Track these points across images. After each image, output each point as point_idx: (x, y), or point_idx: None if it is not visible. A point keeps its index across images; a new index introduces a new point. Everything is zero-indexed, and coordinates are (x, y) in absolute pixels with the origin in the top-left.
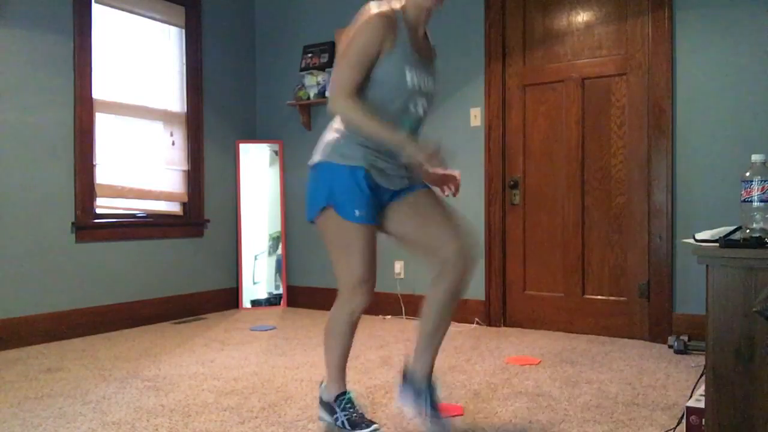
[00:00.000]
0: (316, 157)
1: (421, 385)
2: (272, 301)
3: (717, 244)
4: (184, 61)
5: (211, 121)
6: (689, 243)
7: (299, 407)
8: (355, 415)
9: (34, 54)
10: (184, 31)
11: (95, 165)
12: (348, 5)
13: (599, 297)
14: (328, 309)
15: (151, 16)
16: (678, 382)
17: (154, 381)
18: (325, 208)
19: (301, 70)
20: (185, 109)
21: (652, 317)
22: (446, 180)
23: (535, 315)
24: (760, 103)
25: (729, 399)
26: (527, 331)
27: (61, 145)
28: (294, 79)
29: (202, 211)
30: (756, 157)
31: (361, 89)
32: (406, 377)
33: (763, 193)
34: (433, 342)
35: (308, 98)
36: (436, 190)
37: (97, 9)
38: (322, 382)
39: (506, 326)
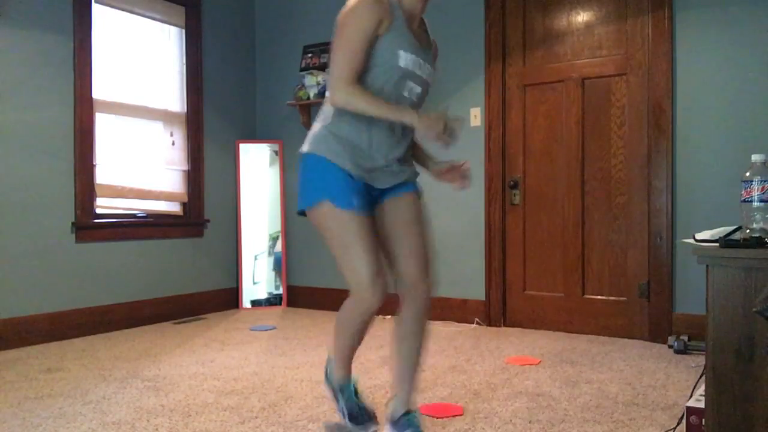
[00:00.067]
0: (306, 146)
1: (399, 414)
2: (272, 301)
3: (717, 244)
4: (184, 61)
5: (211, 121)
6: (689, 243)
7: (299, 407)
8: (356, 408)
9: (34, 54)
10: (184, 31)
11: (95, 165)
12: None
13: (599, 297)
14: (328, 309)
15: (151, 16)
16: (678, 382)
17: (154, 381)
18: (320, 203)
19: (301, 70)
20: (185, 109)
21: (652, 317)
22: (455, 172)
23: (535, 315)
24: (760, 103)
25: (729, 399)
26: (527, 331)
27: (61, 145)
28: (294, 79)
29: (202, 211)
30: (756, 157)
31: (361, 75)
32: (392, 420)
33: (763, 193)
34: (407, 375)
35: (308, 98)
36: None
37: (97, 9)
38: (329, 357)
39: (506, 326)
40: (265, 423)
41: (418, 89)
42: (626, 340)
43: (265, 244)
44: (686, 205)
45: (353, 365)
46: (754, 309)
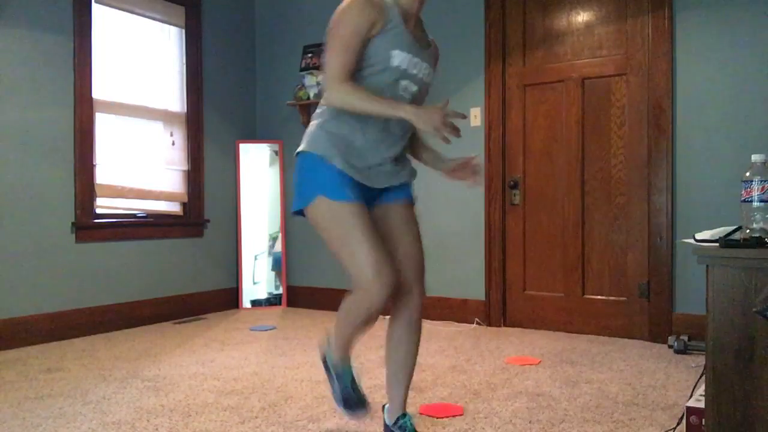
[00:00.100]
0: (302, 146)
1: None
2: (272, 301)
3: (717, 244)
4: (184, 61)
5: (211, 121)
6: (689, 243)
7: (299, 407)
8: (351, 394)
9: (34, 54)
10: (184, 31)
11: (95, 165)
12: None
13: (599, 297)
14: (329, 309)
15: (151, 16)
16: (678, 382)
17: (154, 381)
18: (314, 200)
19: (301, 70)
20: (185, 109)
21: (652, 317)
22: (465, 169)
23: (535, 315)
24: (760, 103)
25: (729, 399)
26: (527, 331)
27: (61, 145)
28: (294, 79)
29: (202, 211)
30: (756, 157)
31: (354, 74)
32: (388, 425)
33: (763, 193)
34: (402, 379)
35: (308, 98)
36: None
37: (97, 9)
38: (329, 338)
39: (506, 326)
40: (265, 423)
41: (415, 88)
42: (626, 340)
43: (265, 244)
44: (686, 205)
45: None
46: (754, 309)
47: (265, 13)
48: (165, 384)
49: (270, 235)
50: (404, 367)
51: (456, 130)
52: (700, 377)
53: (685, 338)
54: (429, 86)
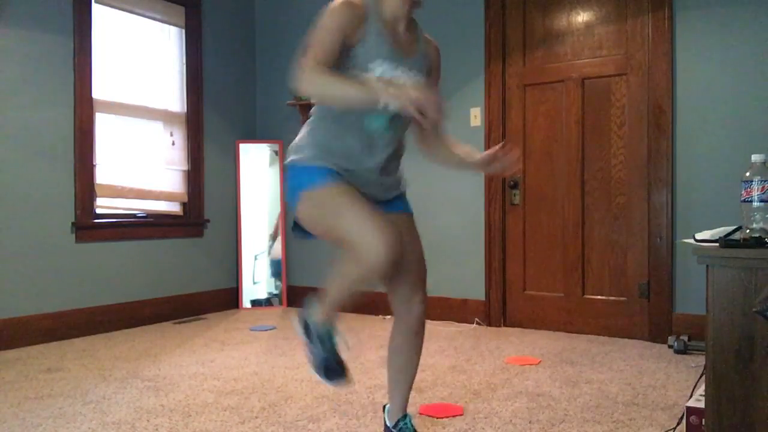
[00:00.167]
0: (289, 157)
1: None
2: (272, 301)
3: (717, 244)
4: (184, 61)
5: (211, 121)
6: (689, 243)
7: (299, 407)
8: (333, 361)
9: (34, 54)
10: (184, 31)
11: (95, 165)
12: None
13: (599, 297)
14: None
15: (151, 16)
16: (678, 382)
17: (154, 381)
18: (300, 199)
19: None
20: (185, 109)
21: (652, 317)
22: (500, 158)
23: (535, 315)
24: (760, 103)
25: (729, 399)
26: (527, 331)
27: (61, 145)
28: None
29: (202, 211)
30: (756, 157)
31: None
32: (389, 426)
33: (763, 193)
34: (403, 384)
35: (308, 98)
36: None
37: (97, 9)
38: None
39: (506, 326)
40: (265, 423)
41: None
42: (626, 340)
43: (265, 244)
44: (686, 205)
45: (352, 367)
46: (754, 309)
47: (265, 13)
48: (165, 384)
49: (270, 235)
50: (404, 373)
51: (440, 110)
52: (700, 377)
53: (685, 338)
54: None
